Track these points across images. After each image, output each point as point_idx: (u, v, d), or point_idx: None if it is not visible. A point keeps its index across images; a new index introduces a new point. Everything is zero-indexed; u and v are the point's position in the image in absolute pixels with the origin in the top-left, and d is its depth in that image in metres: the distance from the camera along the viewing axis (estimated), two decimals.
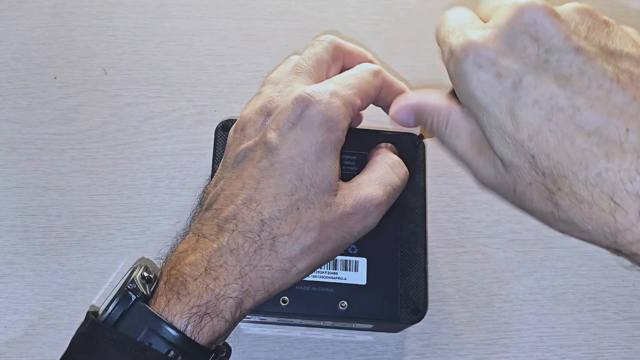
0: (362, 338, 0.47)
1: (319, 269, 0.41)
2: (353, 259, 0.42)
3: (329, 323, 0.44)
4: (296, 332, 0.48)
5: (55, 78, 0.54)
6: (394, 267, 0.42)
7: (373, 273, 0.42)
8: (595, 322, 0.48)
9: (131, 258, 0.48)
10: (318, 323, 0.45)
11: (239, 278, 0.34)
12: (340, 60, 0.40)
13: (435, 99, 0.35)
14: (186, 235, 0.36)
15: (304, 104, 0.36)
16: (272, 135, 0.36)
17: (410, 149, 0.45)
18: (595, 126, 0.28)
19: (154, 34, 0.56)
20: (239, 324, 0.45)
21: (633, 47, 0.29)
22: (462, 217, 0.51)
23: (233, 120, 0.48)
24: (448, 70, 0.32)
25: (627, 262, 0.29)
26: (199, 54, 0.55)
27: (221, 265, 0.34)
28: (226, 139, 0.46)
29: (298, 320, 0.44)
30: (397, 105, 0.37)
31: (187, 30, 0.56)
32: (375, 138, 0.44)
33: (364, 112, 0.41)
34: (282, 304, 0.41)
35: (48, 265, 0.48)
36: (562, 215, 0.29)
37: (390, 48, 0.56)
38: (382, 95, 0.39)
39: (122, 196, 0.50)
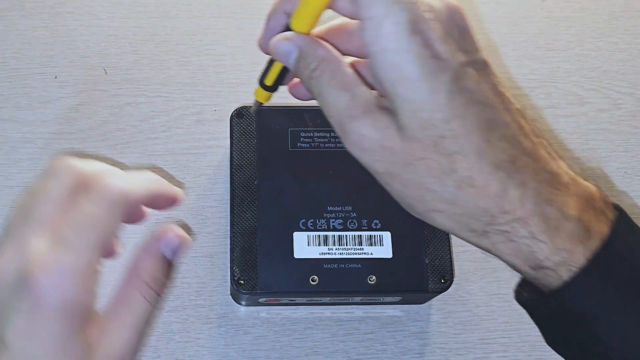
0: (362, 337, 0.47)
1: (344, 246, 0.43)
2: (377, 233, 0.44)
3: (357, 299, 0.45)
4: (306, 318, 0.48)
5: (56, 77, 0.54)
6: (418, 239, 0.43)
7: (398, 246, 0.43)
8: None
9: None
10: (347, 300, 0.46)
11: None
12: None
13: (326, 46, 0.33)
14: None
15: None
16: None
17: None
18: None
19: (154, 33, 0.56)
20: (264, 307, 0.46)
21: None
22: None
23: (247, 107, 0.48)
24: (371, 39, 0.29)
25: None
26: (199, 53, 0.55)
27: None
28: (241, 126, 0.46)
29: (327, 299, 0.44)
30: (281, 36, 0.33)
31: (187, 29, 0.56)
32: None
33: None
34: (312, 283, 0.42)
35: None
36: (447, 195, 0.29)
37: None
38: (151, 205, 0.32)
39: None
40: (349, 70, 0.32)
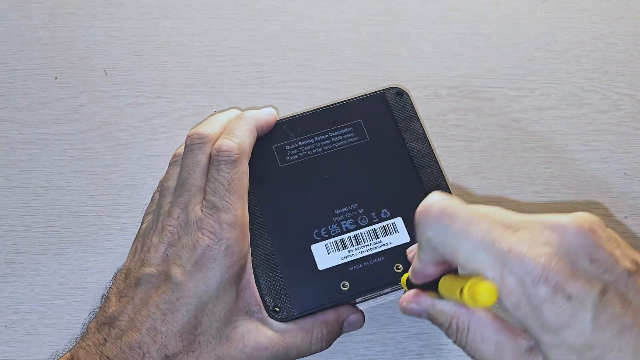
0: (362, 338, 0.47)
1: (363, 244, 0.43)
2: (389, 222, 0.44)
3: (388, 289, 0.45)
4: None
5: (56, 78, 0.54)
6: None
7: (412, 228, 0.43)
8: None
9: None
10: (379, 293, 0.45)
11: None
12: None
13: (447, 304, 0.35)
14: (86, 336, 0.39)
15: (205, 244, 0.39)
16: (177, 272, 0.39)
17: (394, 102, 0.46)
18: None
19: (154, 34, 0.56)
20: None
21: None
22: None
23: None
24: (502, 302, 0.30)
25: None
26: (199, 54, 0.55)
27: None
28: None
29: (360, 299, 0.44)
30: (408, 301, 0.36)
31: (187, 31, 0.56)
32: (357, 106, 0.46)
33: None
34: (344, 289, 0.42)
35: (48, 265, 0.48)
36: None
37: (390, 48, 0.56)
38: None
39: (122, 196, 0.50)
40: (484, 318, 0.34)
